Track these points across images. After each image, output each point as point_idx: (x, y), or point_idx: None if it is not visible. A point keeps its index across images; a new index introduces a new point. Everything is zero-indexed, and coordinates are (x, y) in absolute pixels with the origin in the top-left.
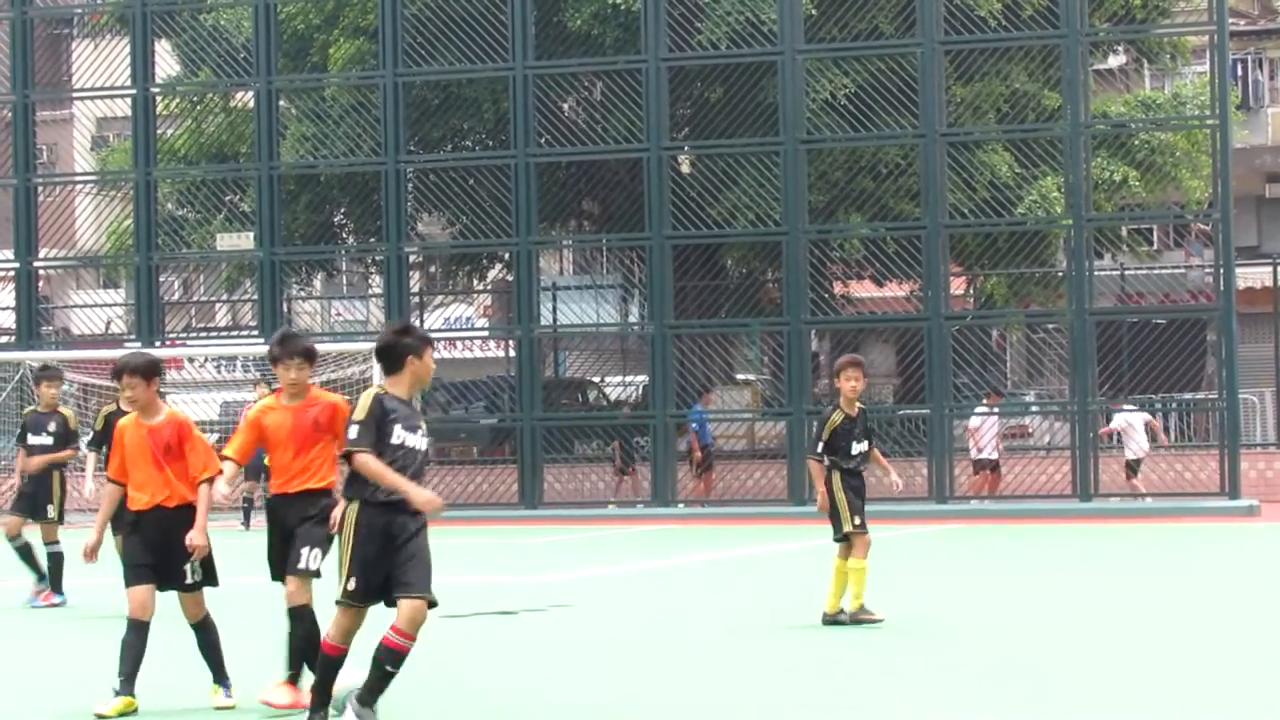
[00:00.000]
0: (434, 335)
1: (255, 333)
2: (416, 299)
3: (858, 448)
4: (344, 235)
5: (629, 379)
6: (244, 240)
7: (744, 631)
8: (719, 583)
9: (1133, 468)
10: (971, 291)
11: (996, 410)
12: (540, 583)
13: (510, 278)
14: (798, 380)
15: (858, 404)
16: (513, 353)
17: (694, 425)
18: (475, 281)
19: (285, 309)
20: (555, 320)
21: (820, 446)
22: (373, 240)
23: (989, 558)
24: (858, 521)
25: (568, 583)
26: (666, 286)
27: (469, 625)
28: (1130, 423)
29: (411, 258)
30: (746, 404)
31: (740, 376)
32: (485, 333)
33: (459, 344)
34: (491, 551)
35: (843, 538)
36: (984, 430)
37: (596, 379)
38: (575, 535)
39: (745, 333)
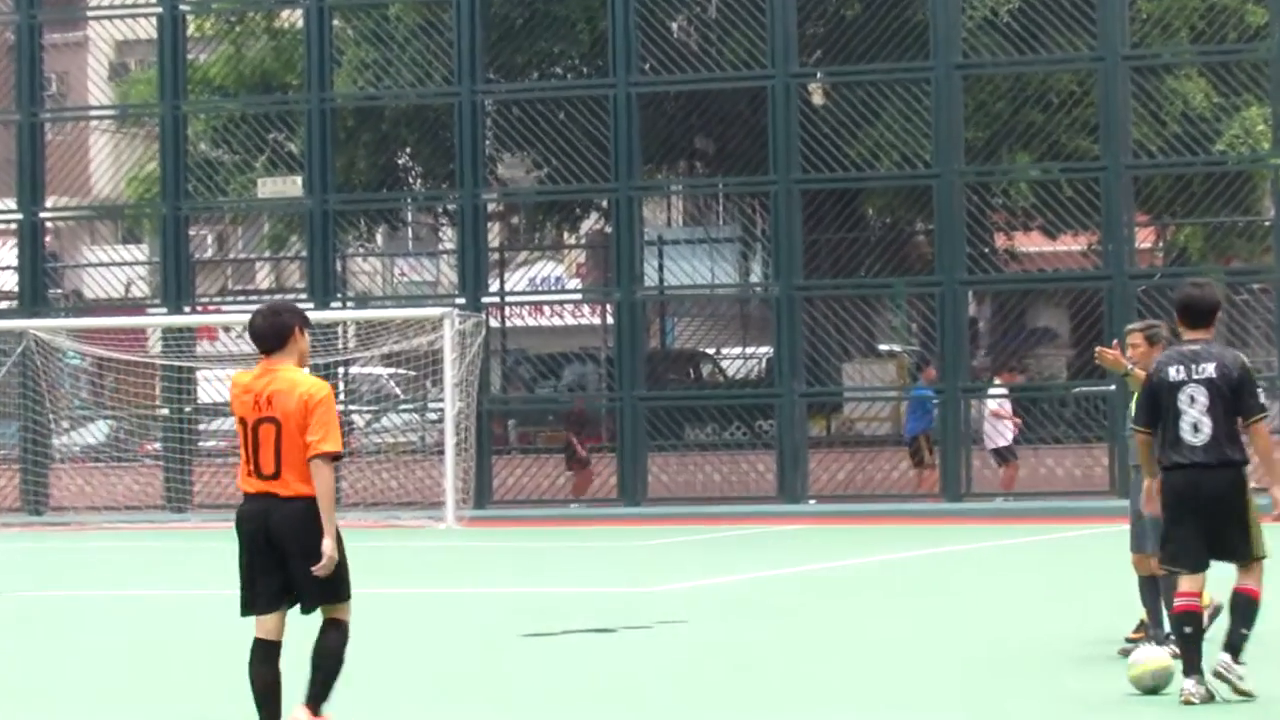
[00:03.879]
0: (518, 298)
1: (304, 297)
2: (496, 255)
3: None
4: (410, 181)
5: (750, 350)
6: (291, 186)
7: (893, 660)
8: (852, 595)
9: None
10: (1161, 245)
11: (1006, 391)
12: (644, 594)
13: (608, 230)
14: (953, 352)
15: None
16: (610, 319)
17: (915, 411)
18: (566, 235)
19: (339, 268)
20: (661, 280)
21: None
22: (444, 186)
23: None
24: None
25: (677, 594)
26: (795, 240)
27: (559, 644)
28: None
29: (490, 207)
30: (890, 380)
31: (883, 348)
32: (578, 296)
33: (547, 309)
34: (586, 556)
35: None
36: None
37: (711, 350)
38: (686, 537)
39: (889, 295)
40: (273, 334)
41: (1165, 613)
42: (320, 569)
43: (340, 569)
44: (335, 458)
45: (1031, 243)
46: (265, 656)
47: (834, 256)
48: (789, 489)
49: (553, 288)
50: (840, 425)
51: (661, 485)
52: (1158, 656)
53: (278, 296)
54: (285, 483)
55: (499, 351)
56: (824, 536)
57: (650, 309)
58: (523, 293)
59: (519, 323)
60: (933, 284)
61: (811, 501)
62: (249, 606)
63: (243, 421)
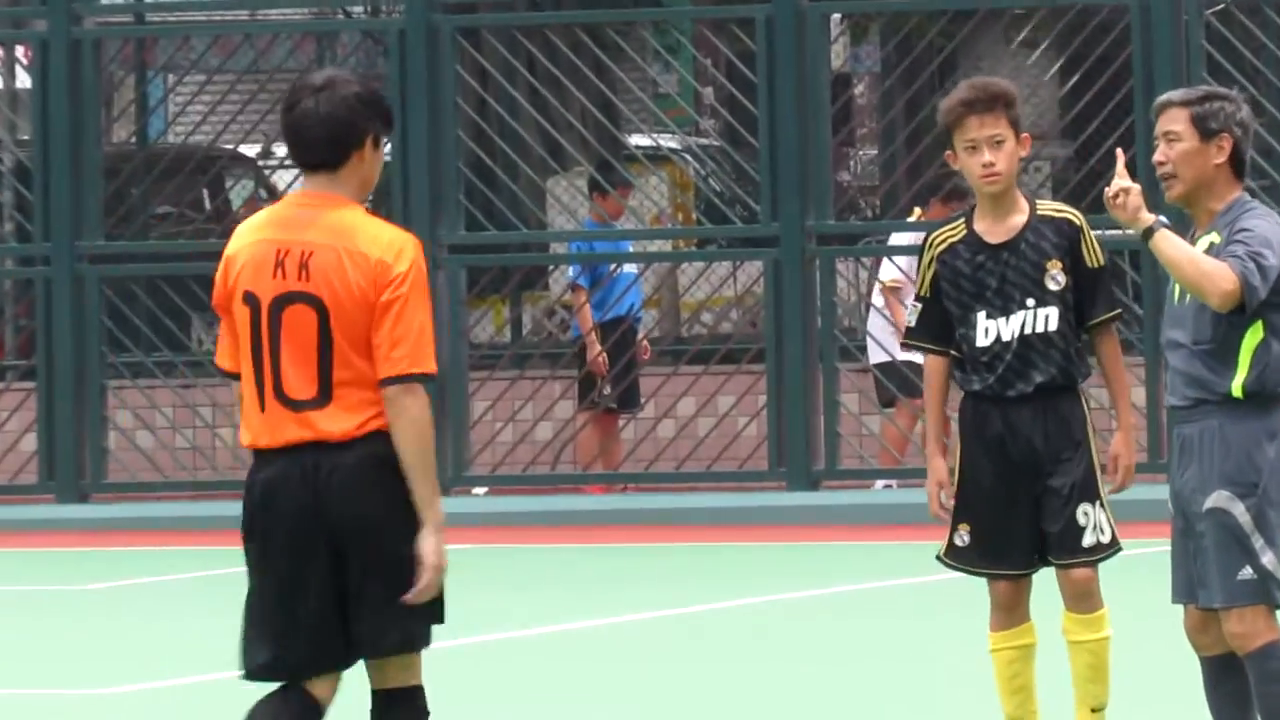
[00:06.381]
0: None
1: None
2: None
3: (997, 329)
4: None
5: None
6: None
7: None
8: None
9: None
10: None
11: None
12: (82, 700)
13: None
14: (794, 153)
15: (1023, 209)
16: None
17: (575, 275)
18: None
19: None
20: None
21: (915, 318)
22: None
23: None
24: (962, 537)
25: (142, 700)
26: None
27: None
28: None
29: None
30: (653, 216)
31: (639, 141)
32: None
33: None
34: None
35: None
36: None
37: (242, 148)
38: (158, 577)
39: (648, 22)
40: (327, 138)
41: None
42: (419, 591)
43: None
44: (423, 381)
45: None
46: None
47: None
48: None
49: None
50: (543, 319)
51: (117, 464)
52: None
53: None
54: (334, 419)
55: None
56: (494, 565)
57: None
58: None
59: None
60: None
61: (479, 491)
62: (272, 665)
63: (249, 299)
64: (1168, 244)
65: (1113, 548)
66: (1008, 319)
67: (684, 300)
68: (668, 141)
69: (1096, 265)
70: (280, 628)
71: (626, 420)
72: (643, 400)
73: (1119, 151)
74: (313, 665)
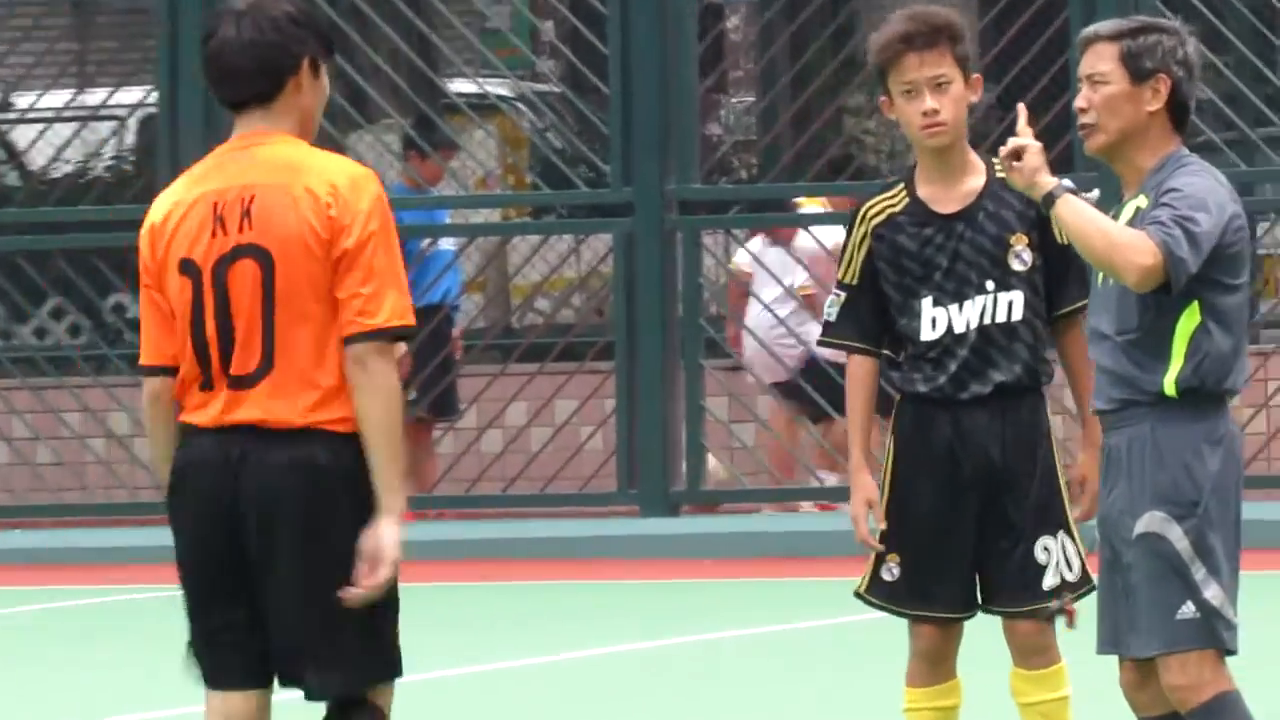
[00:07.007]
0: None
1: None
2: None
3: (948, 317)
4: None
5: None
6: None
7: None
8: None
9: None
10: None
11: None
12: None
13: None
14: (652, 101)
15: (978, 170)
16: None
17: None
18: None
19: None
20: None
21: (836, 311)
22: None
23: None
24: (890, 570)
25: None
26: None
27: None
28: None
29: None
30: (482, 180)
31: (460, 87)
32: None
33: None
34: None
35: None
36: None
37: None
38: None
39: None
40: (256, 68)
41: None
42: (363, 591)
43: (388, 606)
44: (402, 338)
45: None
46: None
47: None
48: None
49: None
50: None
51: None
52: None
53: None
54: (277, 393)
55: None
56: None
57: None
58: None
59: None
60: None
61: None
62: (207, 674)
63: (187, 269)
64: (1071, 212)
65: (1083, 586)
66: (960, 306)
67: (515, 283)
68: (497, 88)
69: (1067, 241)
70: (198, 633)
71: (443, 431)
72: (462, 406)
73: (1021, 107)
74: (233, 679)
